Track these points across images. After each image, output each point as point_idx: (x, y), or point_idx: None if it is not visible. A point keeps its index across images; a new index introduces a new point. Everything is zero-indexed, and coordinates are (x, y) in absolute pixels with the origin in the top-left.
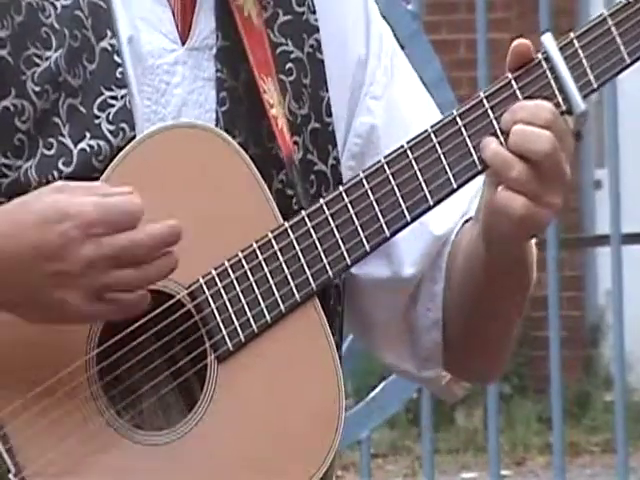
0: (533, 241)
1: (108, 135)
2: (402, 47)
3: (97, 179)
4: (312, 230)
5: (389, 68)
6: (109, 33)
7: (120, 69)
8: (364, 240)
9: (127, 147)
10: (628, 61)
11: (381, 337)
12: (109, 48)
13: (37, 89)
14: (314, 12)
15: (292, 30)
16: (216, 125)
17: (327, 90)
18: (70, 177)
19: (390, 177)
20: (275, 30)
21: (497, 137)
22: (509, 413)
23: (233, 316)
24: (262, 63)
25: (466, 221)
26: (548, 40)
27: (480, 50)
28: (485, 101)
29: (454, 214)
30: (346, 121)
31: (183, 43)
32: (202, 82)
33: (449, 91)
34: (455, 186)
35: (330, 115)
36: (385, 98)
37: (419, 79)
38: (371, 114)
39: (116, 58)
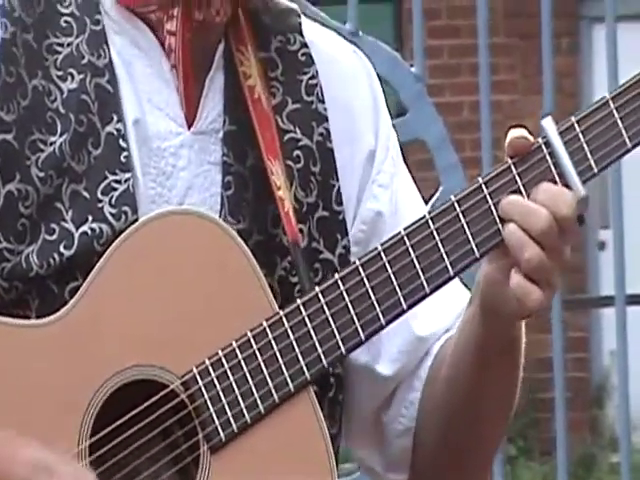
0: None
1: (110, 218)
2: (406, 109)
3: (96, 262)
4: (307, 319)
5: (395, 159)
6: (115, 117)
7: (125, 153)
8: (359, 329)
9: (126, 232)
10: (629, 146)
11: (354, 429)
12: (114, 133)
13: (41, 175)
14: (323, 101)
15: (301, 118)
16: (221, 209)
17: (337, 179)
18: (70, 259)
19: (387, 264)
20: (284, 117)
21: (495, 223)
22: (515, 475)
23: (226, 406)
24: (270, 145)
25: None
26: (548, 124)
27: (483, 112)
28: (484, 187)
29: (439, 322)
30: (354, 209)
31: (190, 126)
32: (208, 166)
33: (452, 153)
34: (452, 274)
35: (340, 204)
36: (391, 188)
37: (423, 141)
38: (378, 201)
39: (121, 142)
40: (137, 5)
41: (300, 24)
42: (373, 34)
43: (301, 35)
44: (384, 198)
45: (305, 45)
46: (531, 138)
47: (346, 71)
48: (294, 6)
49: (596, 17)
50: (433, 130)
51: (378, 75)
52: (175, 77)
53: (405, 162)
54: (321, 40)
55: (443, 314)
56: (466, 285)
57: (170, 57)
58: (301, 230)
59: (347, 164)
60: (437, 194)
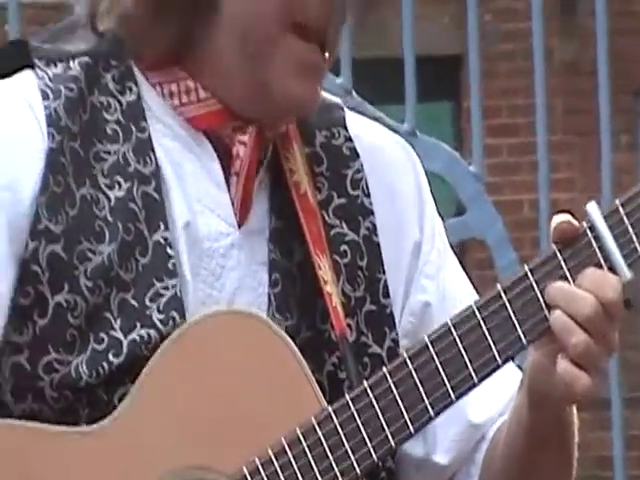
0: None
1: (158, 324)
2: (465, 208)
3: (142, 370)
4: (356, 414)
5: (442, 250)
6: (162, 225)
7: (172, 260)
8: (409, 422)
9: (173, 334)
10: None
11: None
12: (162, 241)
13: (90, 284)
14: (368, 195)
15: (347, 213)
16: (268, 308)
17: (384, 272)
18: (119, 367)
19: (434, 356)
20: (330, 212)
21: (542, 310)
22: None
23: None
24: (317, 240)
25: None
26: (593, 209)
27: (543, 210)
28: (530, 274)
29: (493, 407)
30: (402, 301)
31: (239, 226)
32: (256, 266)
33: (512, 251)
34: (500, 362)
35: (388, 296)
36: (438, 278)
37: (482, 240)
38: (425, 292)
39: (169, 250)
40: (213, 129)
41: (344, 118)
42: (432, 133)
43: (345, 129)
44: (431, 289)
45: (349, 139)
46: (576, 223)
47: (391, 161)
48: (338, 100)
49: None
50: (492, 229)
51: (436, 174)
52: (226, 178)
53: (464, 261)
54: (365, 132)
55: (496, 398)
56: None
57: (234, 163)
58: (349, 325)
59: (393, 256)
60: None
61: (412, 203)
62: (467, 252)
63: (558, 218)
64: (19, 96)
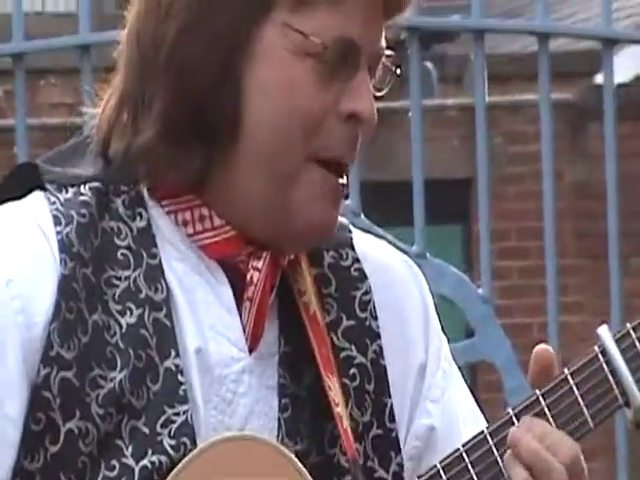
0: None
1: (169, 450)
2: (473, 331)
3: None
4: None
5: (447, 371)
6: (173, 352)
7: (183, 387)
8: None
9: (184, 460)
10: None
11: None
12: (173, 368)
13: (101, 412)
14: (376, 318)
15: (355, 335)
16: (278, 432)
17: (390, 396)
18: None
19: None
20: (339, 334)
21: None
22: None
23: None
24: (327, 361)
25: None
26: (604, 333)
27: (552, 333)
28: (541, 398)
29: None
30: (406, 424)
31: (250, 351)
32: (266, 391)
33: (521, 375)
34: None
35: (393, 420)
36: (443, 401)
37: (491, 362)
38: (430, 416)
39: (180, 378)
40: (228, 257)
41: (351, 239)
42: (441, 255)
43: (353, 250)
44: (436, 412)
45: (357, 260)
46: (553, 353)
47: (397, 280)
48: (345, 221)
49: None
50: (501, 352)
51: (445, 296)
52: (237, 302)
53: (473, 383)
54: (372, 250)
55: None
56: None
57: (248, 289)
58: (357, 449)
59: (399, 379)
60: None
61: (418, 323)
62: (476, 375)
63: (539, 347)
64: (32, 221)
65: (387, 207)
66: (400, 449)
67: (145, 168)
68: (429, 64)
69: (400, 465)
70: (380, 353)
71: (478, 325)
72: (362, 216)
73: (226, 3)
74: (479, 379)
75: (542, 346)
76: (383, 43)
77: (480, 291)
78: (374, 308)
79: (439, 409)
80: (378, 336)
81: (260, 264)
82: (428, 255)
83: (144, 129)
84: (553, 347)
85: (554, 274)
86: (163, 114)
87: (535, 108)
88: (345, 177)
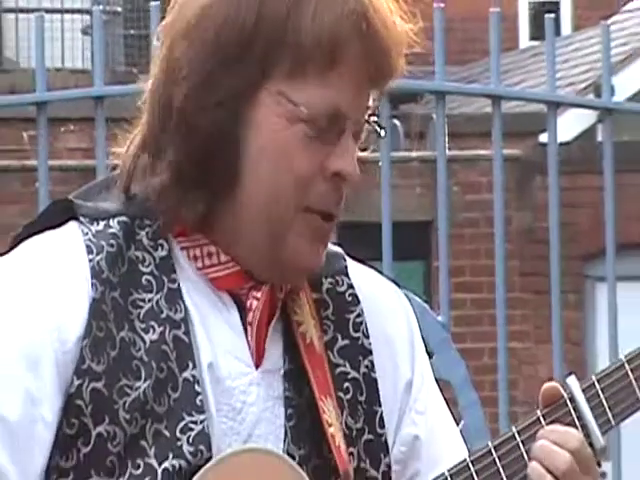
0: None
1: (188, 456)
2: (433, 353)
3: None
4: None
5: (430, 387)
6: (190, 365)
7: (200, 397)
8: None
9: (202, 470)
10: None
11: None
12: (190, 379)
13: (127, 417)
14: (367, 337)
15: (349, 353)
16: (284, 439)
17: (380, 405)
18: None
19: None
20: (335, 352)
21: (526, 467)
22: None
23: None
24: (322, 384)
25: None
26: (572, 382)
27: (501, 357)
28: (517, 435)
29: None
30: (394, 431)
31: (257, 366)
32: (273, 401)
33: (473, 392)
34: None
35: (383, 427)
36: (427, 413)
37: (448, 381)
38: (416, 426)
39: (197, 387)
40: (233, 289)
41: (346, 267)
42: (405, 287)
43: (348, 277)
44: (421, 423)
45: (351, 286)
46: (562, 391)
47: (387, 307)
48: (340, 251)
49: (599, 277)
50: (456, 372)
51: None
52: (244, 325)
53: None
54: (365, 280)
55: None
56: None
57: (248, 315)
58: (351, 453)
59: (389, 392)
60: (459, 428)
61: (405, 345)
62: None
63: (548, 385)
64: (68, 249)
65: (359, 244)
66: (389, 452)
67: (161, 207)
68: (397, 121)
69: (388, 466)
70: (371, 368)
71: (437, 348)
72: None
73: (229, 72)
74: None
75: (550, 384)
76: (369, 107)
77: (439, 319)
78: (366, 329)
79: (423, 420)
80: (370, 353)
81: (259, 294)
82: None
83: (160, 172)
84: (502, 369)
85: (503, 306)
86: (173, 164)
87: (488, 162)
88: (333, 222)
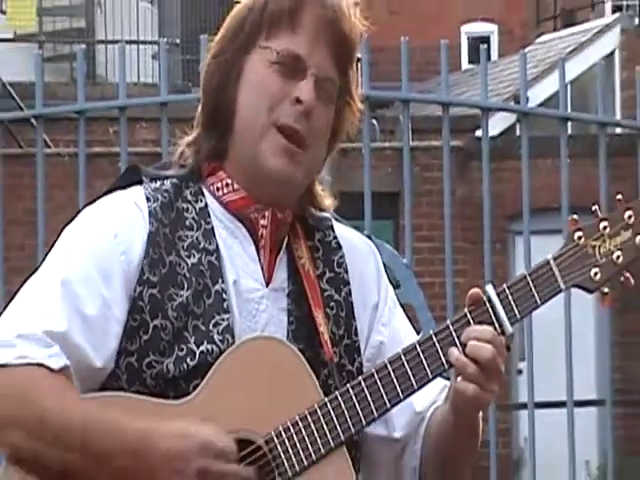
0: (480, 413)
1: (218, 342)
2: (399, 284)
3: (209, 370)
4: (342, 403)
5: (392, 308)
6: (220, 280)
7: (226, 303)
8: (374, 410)
9: (228, 350)
10: (539, 303)
11: (380, 472)
12: (220, 290)
13: (175, 314)
14: (347, 272)
15: (334, 283)
16: (287, 337)
17: (355, 319)
18: (194, 367)
19: (391, 372)
20: (324, 281)
21: (457, 348)
22: None
23: (292, 455)
24: (315, 301)
25: (436, 407)
26: (490, 289)
27: (448, 288)
28: (451, 326)
29: (428, 399)
30: (366, 338)
31: (267, 285)
32: (278, 311)
33: (428, 312)
34: (431, 377)
35: (357, 335)
36: (389, 325)
37: (411, 305)
38: (381, 334)
39: (224, 296)
40: (241, 209)
41: (332, 225)
42: (380, 238)
43: (333, 231)
44: (385, 332)
45: (335, 237)
46: (482, 294)
47: (361, 252)
48: (328, 215)
49: (518, 231)
50: (417, 298)
51: (383, 262)
52: (258, 254)
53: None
54: (346, 233)
55: (430, 393)
56: None
57: (260, 241)
58: (335, 351)
59: (361, 311)
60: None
61: (373, 278)
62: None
63: (473, 290)
64: (133, 199)
65: (348, 207)
66: (361, 353)
67: (195, 157)
68: (374, 121)
69: (361, 363)
70: (349, 293)
71: (403, 281)
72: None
73: (233, 43)
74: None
75: (474, 289)
76: (332, 73)
77: (404, 261)
78: (346, 266)
79: (387, 330)
80: (348, 283)
81: (265, 222)
82: (373, 237)
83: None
84: (449, 296)
85: (450, 252)
86: (200, 117)
87: (439, 150)
88: (301, 148)
